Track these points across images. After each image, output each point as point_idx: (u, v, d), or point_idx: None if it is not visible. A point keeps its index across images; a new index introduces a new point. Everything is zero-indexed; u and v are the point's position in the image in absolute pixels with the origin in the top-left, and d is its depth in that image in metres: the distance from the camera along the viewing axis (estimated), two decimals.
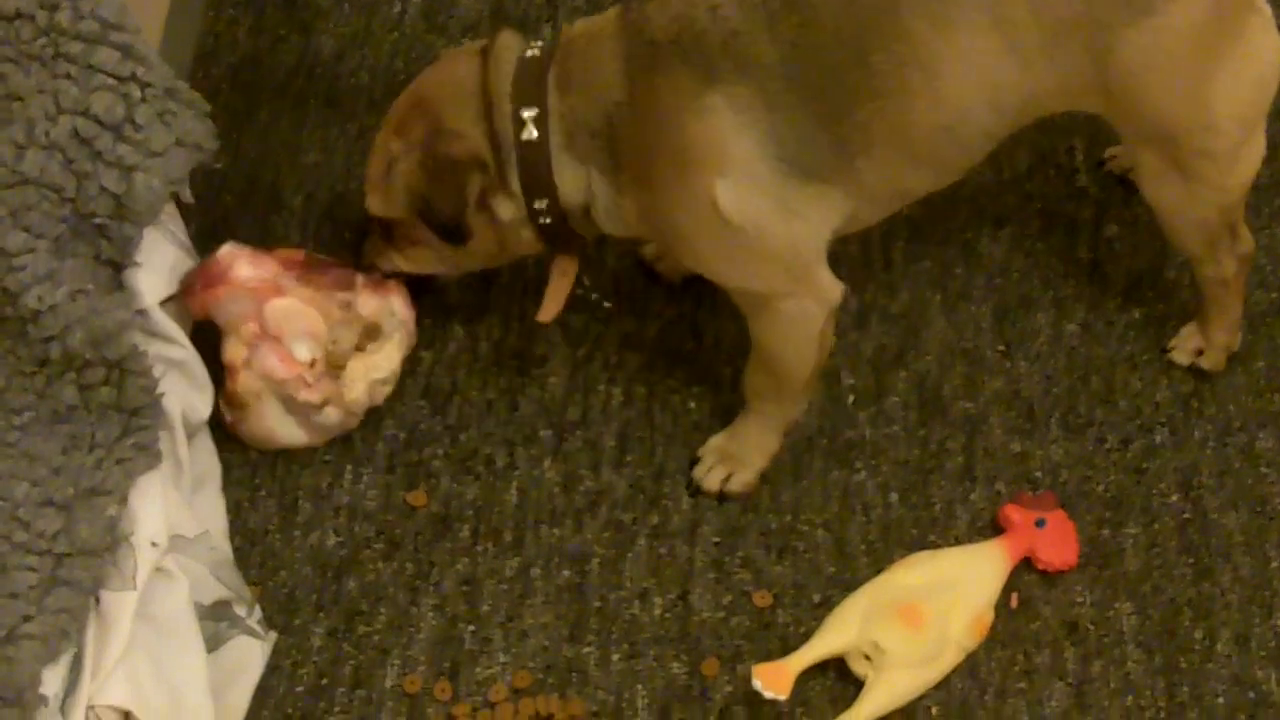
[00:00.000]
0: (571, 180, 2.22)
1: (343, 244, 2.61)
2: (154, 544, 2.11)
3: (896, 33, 2.07)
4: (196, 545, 2.22)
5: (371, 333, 2.40)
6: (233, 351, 2.36)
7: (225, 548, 2.32)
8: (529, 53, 2.21)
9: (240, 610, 2.24)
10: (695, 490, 2.41)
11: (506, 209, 2.25)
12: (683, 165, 2.13)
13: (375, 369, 2.40)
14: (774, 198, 2.14)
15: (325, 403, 2.38)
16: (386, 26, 2.83)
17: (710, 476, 2.41)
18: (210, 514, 2.34)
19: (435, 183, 2.23)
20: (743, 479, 2.41)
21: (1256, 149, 2.24)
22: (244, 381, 2.36)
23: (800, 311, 2.24)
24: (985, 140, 2.18)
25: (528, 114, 2.19)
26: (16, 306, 2.16)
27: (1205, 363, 2.49)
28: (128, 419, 2.19)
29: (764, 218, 2.15)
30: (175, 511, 2.19)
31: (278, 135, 2.71)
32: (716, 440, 2.40)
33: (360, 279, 2.41)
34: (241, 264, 2.36)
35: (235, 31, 2.81)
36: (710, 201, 2.13)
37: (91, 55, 2.18)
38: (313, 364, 2.35)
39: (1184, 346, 2.50)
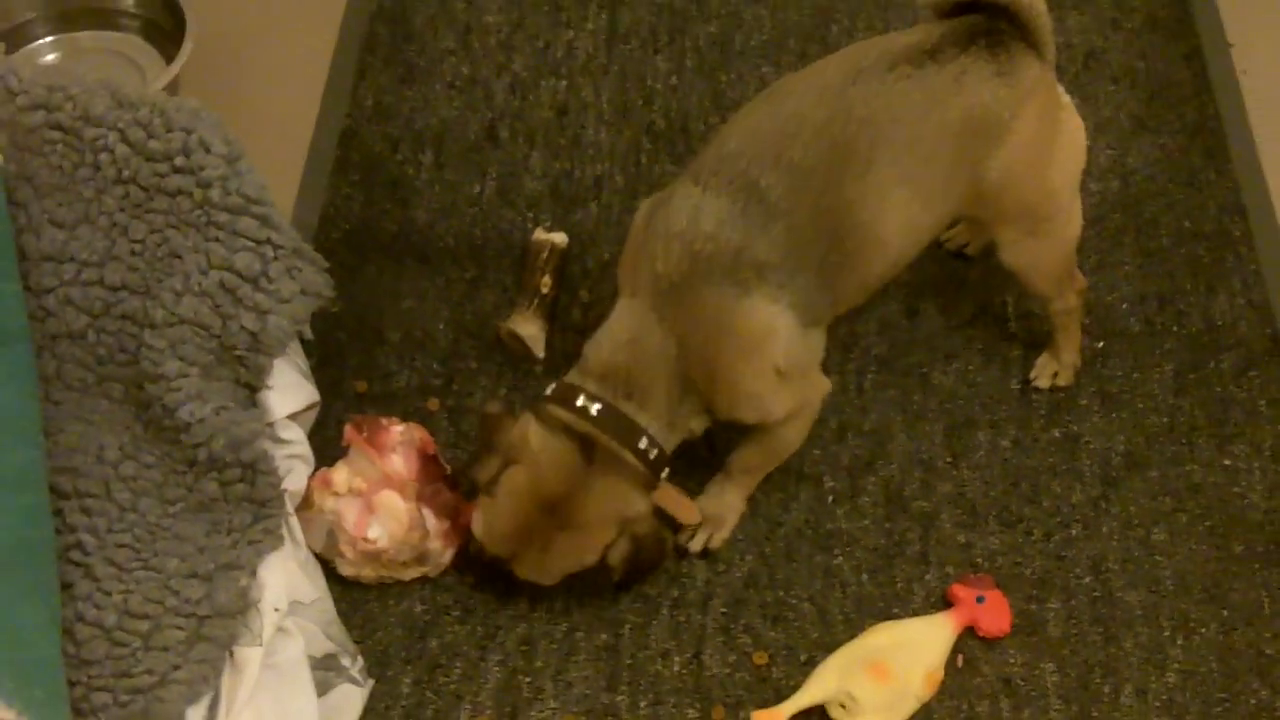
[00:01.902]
0: (675, 439, 2.22)
1: (427, 385, 2.55)
2: (276, 609, 2.12)
3: (855, 223, 2.12)
4: (311, 609, 2.21)
5: (420, 560, 2.33)
6: (338, 476, 2.30)
7: (333, 611, 2.28)
8: (593, 409, 2.14)
9: (345, 661, 2.22)
10: (683, 552, 2.38)
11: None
12: (748, 353, 2.13)
13: (392, 573, 2.35)
14: (805, 344, 2.18)
15: (351, 563, 2.32)
16: (468, 202, 2.81)
17: (695, 540, 2.38)
18: (322, 583, 2.31)
19: (647, 559, 2.20)
20: (722, 537, 2.38)
21: (1079, 207, 2.36)
22: (321, 496, 2.30)
23: (812, 411, 2.28)
24: (908, 261, 2.25)
25: (643, 444, 2.15)
26: (173, 419, 2.19)
27: (1061, 380, 2.55)
28: (258, 509, 2.20)
29: (804, 361, 2.20)
30: (294, 581, 2.19)
31: (381, 285, 2.71)
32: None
33: (446, 525, 2.31)
34: (399, 454, 2.31)
35: (350, 204, 2.81)
36: (774, 369, 2.15)
37: (236, 223, 2.21)
38: (371, 542, 2.28)
39: (1043, 374, 2.56)
